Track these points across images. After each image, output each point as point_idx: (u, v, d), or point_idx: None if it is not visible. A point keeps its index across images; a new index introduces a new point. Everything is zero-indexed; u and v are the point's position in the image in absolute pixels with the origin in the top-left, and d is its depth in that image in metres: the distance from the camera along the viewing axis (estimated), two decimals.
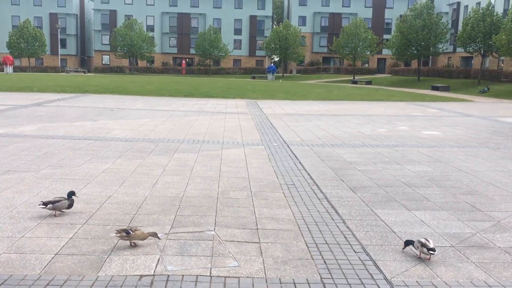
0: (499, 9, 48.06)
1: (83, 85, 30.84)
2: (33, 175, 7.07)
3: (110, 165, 7.95)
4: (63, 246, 4.42)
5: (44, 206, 5.13)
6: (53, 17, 74.35)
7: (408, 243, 4.42)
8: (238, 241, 4.65)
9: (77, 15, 77.38)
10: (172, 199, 6.06)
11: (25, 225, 4.96)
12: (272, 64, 66.00)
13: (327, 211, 5.72)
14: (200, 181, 7.03)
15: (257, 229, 5.03)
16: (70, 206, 5.29)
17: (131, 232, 4.37)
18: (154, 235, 4.46)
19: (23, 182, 6.69)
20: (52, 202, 5.16)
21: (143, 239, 4.45)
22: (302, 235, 4.88)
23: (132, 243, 4.46)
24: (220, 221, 5.23)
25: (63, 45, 75.11)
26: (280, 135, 12.03)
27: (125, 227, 4.52)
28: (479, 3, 52.79)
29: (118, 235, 4.40)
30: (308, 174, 7.62)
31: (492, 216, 5.66)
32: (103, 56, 75.42)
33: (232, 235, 4.80)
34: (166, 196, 6.19)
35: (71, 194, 5.39)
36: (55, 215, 5.23)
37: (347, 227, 5.17)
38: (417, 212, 5.74)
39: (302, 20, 74.69)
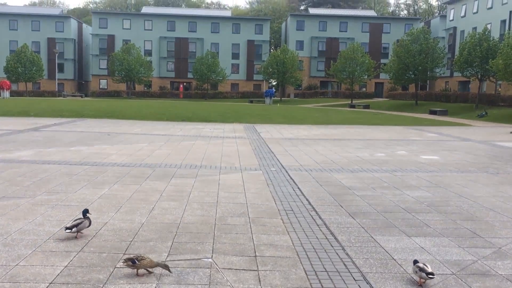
0: (495, 34, 48.73)
1: (80, 110, 30.92)
2: (28, 202, 7.04)
3: (107, 191, 7.92)
4: (58, 274, 4.37)
5: (69, 231, 5.31)
6: (51, 42, 75.00)
7: (416, 262, 4.45)
8: (236, 269, 4.61)
9: (75, 39, 78.08)
10: (169, 225, 6.02)
11: (20, 252, 4.91)
12: (269, 88, 66.42)
13: (326, 238, 5.69)
14: (198, 207, 7.00)
15: (256, 256, 4.99)
16: (90, 224, 5.54)
17: (137, 262, 4.33)
18: (165, 267, 4.39)
19: (18, 208, 6.65)
20: (75, 225, 5.36)
21: (151, 267, 4.40)
22: (301, 263, 4.84)
23: (138, 272, 4.41)
24: (217, 248, 5.19)
25: (61, 69, 75.57)
26: (278, 160, 12.03)
27: (132, 256, 4.47)
28: (475, 28, 53.53)
29: (125, 264, 4.36)
30: (307, 200, 7.60)
31: (493, 242, 5.63)
32: (101, 80, 75.84)
33: (230, 263, 4.76)
34: (163, 222, 6.15)
35: (86, 212, 5.56)
36: (76, 237, 5.40)
37: (347, 254, 5.14)
38: (417, 239, 5.71)
39: (300, 44, 75.49)
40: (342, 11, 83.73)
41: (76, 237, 5.39)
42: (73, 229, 5.33)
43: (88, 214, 5.57)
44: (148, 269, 4.41)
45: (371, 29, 75.74)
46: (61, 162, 10.69)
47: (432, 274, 4.25)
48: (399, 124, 27.28)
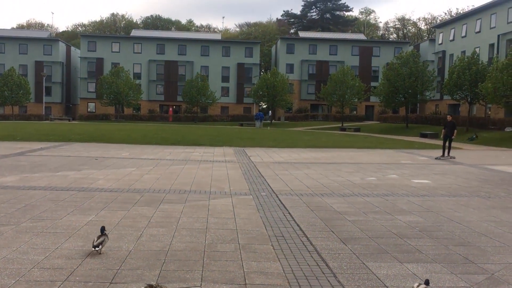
0: (483, 57, 49.58)
1: (67, 134, 30.80)
2: (12, 229, 6.95)
3: (94, 217, 7.85)
4: None
5: (98, 249, 5.81)
6: (39, 65, 75.06)
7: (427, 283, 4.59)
8: None
9: (63, 62, 78.19)
10: (157, 253, 5.96)
11: (3, 282, 4.83)
12: (260, 111, 66.73)
13: (317, 264, 5.66)
14: (187, 233, 6.95)
15: (245, 284, 4.95)
16: (107, 240, 6.09)
17: None
18: None
19: (2, 236, 6.56)
20: (100, 243, 5.86)
21: None
22: None
23: None
24: (206, 276, 5.15)
25: (48, 92, 75.47)
26: (268, 184, 12.02)
27: (152, 283, 4.39)
28: (464, 52, 54.50)
29: None
30: (298, 225, 7.58)
31: (486, 268, 5.64)
32: (89, 103, 75.77)
33: None
34: (151, 249, 6.09)
35: (103, 229, 6.06)
36: (100, 253, 5.86)
37: (338, 281, 5.12)
38: (409, 265, 5.70)
39: (290, 67, 76.25)
40: (332, 34, 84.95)
41: (100, 253, 5.85)
42: (99, 247, 5.82)
43: (105, 231, 6.05)
44: None
45: (361, 52, 76.81)
46: (47, 188, 10.60)
47: None
48: (390, 147, 27.45)
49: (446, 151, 21.22)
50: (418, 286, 4.55)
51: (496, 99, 35.25)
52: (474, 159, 20.76)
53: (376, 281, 5.14)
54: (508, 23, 49.50)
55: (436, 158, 20.45)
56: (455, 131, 21.58)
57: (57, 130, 35.04)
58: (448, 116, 22.52)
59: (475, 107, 50.10)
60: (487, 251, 6.35)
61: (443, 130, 21.89)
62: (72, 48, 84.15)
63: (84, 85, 75.78)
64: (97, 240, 5.87)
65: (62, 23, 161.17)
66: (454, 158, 20.61)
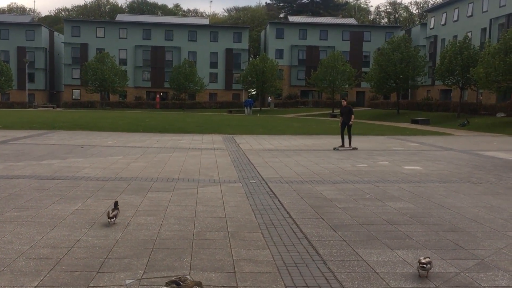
0: (475, 42, 49.78)
1: (51, 121, 30.56)
2: None
3: (80, 206, 7.82)
4: None
5: (113, 220, 6.62)
6: (21, 51, 74.12)
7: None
8: (215, 286, 4.60)
9: (46, 48, 77.30)
10: (145, 241, 5.97)
11: None
12: (249, 98, 66.61)
13: (307, 252, 5.70)
14: (175, 221, 6.96)
15: (235, 272, 4.98)
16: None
17: (181, 283, 4.24)
18: (199, 284, 4.32)
19: None
20: (115, 215, 6.69)
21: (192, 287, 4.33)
22: (281, 278, 4.84)
23: None
24: (195, 265, 5.17)
25: (31, 79, 74.62)
26: (258, 171, 12.05)
27: (174, 278, 4.35)
28: (455, 36, 54.65)
29: (169, 287, 4.27)
30: (287, 213, 7.62)
31: (476, 254, 5.72)
32: (73, 90, 75.13)
33: (208, 279, 4.74)
34: (138, 238, 6.10)
35: (116, 203, 6.94)
36: (114, 223, 6.69)
37: (328, 268, 5.16)
38: (399, 251, 5.77)
39: (279, 53, 76.00)
40: (322, 19, 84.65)
41: (114, 223, 6.66)
42: (114, 219, 6.62)
43: (118, 206, 6.91)
44: None
45: (351, 37, 76.71)
46: (31, 177, 10.53)
47: (423, 264, 4.85)
48: (381, 133, 27.60)
49: (347, 140, 18.58)
50: (424, 259, 4.90)
51: (487, 84, 35.48)
52: (465, 145, 20.94)
53: (366, 267, 5.19)
54: (500, 7, 49.70)
55: (334, 149, 18.15)
56: (352, 116, 18.48)
57: (41, 118, 34.75)
58: (342, 100, 19.22)
59: (467, 92, 50.41)
60: (477, 237, 6.44)
61: (340, 118, 19.06)
62: (56, 33, 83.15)
63: (68, 72, 75.05)
64: (112, 213, 6.66)
65: (45, 8, 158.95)
66: (357, 149, 18.21)
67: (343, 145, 18.59)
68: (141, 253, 5.51)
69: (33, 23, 78.84)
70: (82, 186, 9.54)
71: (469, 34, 51.58)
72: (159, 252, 5.56)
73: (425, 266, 4.84)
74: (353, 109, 19.67)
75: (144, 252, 5.55)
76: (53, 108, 66.41)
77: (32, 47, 74.95)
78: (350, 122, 18.48)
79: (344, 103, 18.94)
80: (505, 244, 6.12)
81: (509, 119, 36.12)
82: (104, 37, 75.05)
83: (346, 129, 18.65)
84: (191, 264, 5.19)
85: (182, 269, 5.01)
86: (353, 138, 19.31)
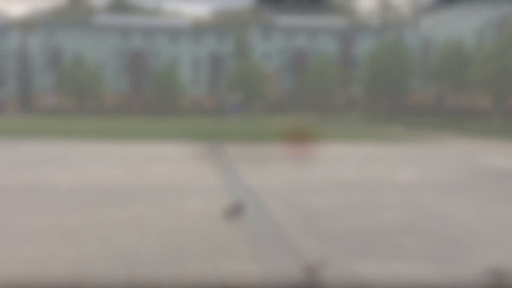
0: (469, 44, 50.34)
1: (24, 129, 30.26)
2: None
3: (54, 219, 7.75)
4: None
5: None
6: None
7: None
8: None
9: (18, 52, 76.66)
10: (123, 255, 5.93)
11: None
12: (234, 103, 66.64)
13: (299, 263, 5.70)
14: (155, 234, 6.92)
15: None
16: None
17: None
18: None
19: None
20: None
21: None
22: None
23: None
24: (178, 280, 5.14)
25: (1, 84, 73.91)
26: (244, 180, 12.03)
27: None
28: (449, 38, 55.22)
29: None
30: (276, 223, 7.62)
31: (471, 264, 5.76)
32: (48, 96, 74.53)
33: None
34: (117, 253, 6.05)
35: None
36: None
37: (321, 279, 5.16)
38: (394, 262, 5.79)
39: (267, 56, 76.14)
40: (311, 20, 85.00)
41: None
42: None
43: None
44: None
45: (341, 40, 77.14)
46: (2, 188, 10.41)
47: None
48: (373, 139, 27.73)
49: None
50: None
51: (481, 87, 35.84)
52: (459, 151, 21.11)
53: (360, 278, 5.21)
54: (494, 8, 50.37)
55: None
56: None
57: (13, 126, 34.40)
58: None
59: (461, 95, 50.92)
60: (471, 246, 6.49)
61: None
62: (29, 36, 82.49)
63: (42, 77, 74.44)
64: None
65: (17, 10, 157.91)
66: None
67: None
68: (120, 269, 5.45)
69: (3, 24, 78.16)
70: (58, 198, 9.43)
71: (462, 35, 52.17)
72: (140, 267, 5.51)
73: None
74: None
75: (122, 269, 5.49)
76: (26, 115, 65.73)
77: (2, 50, 74.24)
78: None
79: None
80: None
81: (504, 124, 36.56)
82: (80, 40, 74.65)
83: None
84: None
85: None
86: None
